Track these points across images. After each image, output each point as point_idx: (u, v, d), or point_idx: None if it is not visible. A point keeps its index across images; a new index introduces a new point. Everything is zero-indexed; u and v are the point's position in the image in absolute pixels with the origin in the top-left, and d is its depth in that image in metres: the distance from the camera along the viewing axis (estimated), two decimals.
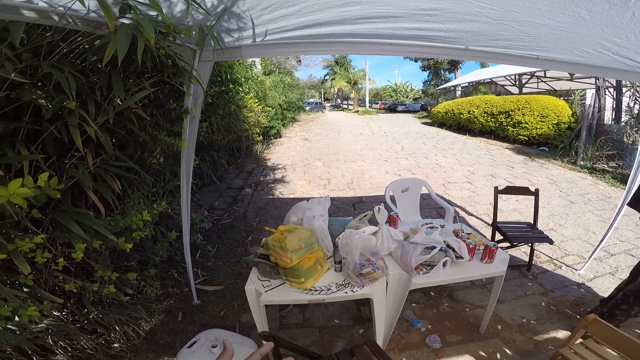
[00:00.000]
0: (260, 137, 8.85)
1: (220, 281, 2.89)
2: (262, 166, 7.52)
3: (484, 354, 2.12)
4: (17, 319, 1.16)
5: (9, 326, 1.18)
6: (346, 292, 1.68)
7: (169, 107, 1.73)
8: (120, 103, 1.29)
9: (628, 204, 2.22)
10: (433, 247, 1.82)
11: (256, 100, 7.79)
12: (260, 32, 1.76)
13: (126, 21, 1.09)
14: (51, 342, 1.54)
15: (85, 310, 1.73)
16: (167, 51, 1.28)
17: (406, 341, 2.24)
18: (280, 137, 12.06)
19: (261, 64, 12.40)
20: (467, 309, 2.56)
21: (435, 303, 2.63)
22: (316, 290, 1.68)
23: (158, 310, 2.37)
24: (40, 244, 1.10)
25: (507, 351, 2.15)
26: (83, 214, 1.37)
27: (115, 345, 1.95)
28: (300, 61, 22.29)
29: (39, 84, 1.15)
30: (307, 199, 2.18)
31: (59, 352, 1.56)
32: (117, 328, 1.93)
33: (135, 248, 2.14)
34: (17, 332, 1.21)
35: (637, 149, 2.63)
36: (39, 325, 1.41)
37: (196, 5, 1.27)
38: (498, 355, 2.12)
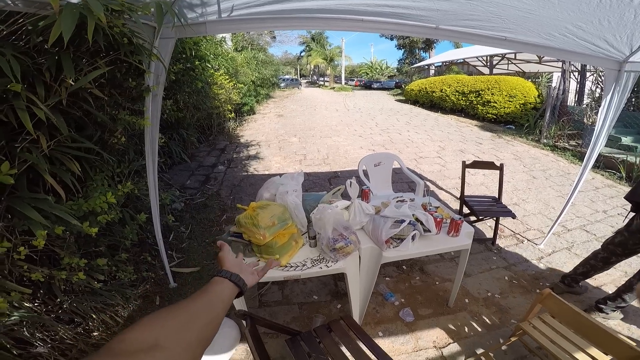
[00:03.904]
0: (233, 114, 8.60)
1: (196, 262, 2.87)
2: (235, 143, 7.35)
3: (453, 327, 2.22)
4: None
5: None
6: (321, 268, 1.69)
7: (129, 86, 1.63)
8: (73, 83, 1.20)
9: (625, 198, 2.18)
10: (402, 221, 1.85)
11: (227, 77, 7.50)
12: (226, 7, 1.67)
13: (74, 0, 1.00)
14: (28, 334, 1.49)
15: (58, 299, 1.68)
16: (122, 29, 1.19)
17: (381, 315, 2.32)
18: (254, 113, 11.78)
19: (232, 40, 11.82)
20: (437, 282, 2.67)
21: (407, 277, 2.73)
22: (291, 267, 1.68)
23: (134, 295, 2.33)
24: None
25: (474, 325, 2.25)
26: (41, 199, 1.31)
27: (95, 333, 1.92)
28: (274, 37, 21.34)
29: None
30: (282, 175, 2.14)
31: (38, 344, 1.52)
32: (94, 316, 1.89)
33: (103, 232, 2.07)
34: None
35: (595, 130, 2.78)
36: (12, 318, 1.36)
37: None
38: (466, 329, 2.21)
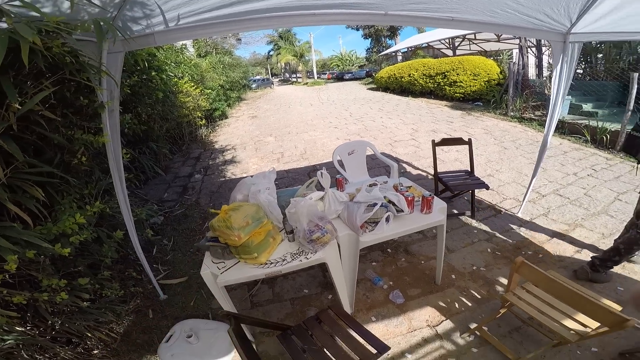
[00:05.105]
0: (204, 121, 8.48)
1: (183, 272, 2.87)
2: (209, 150, 7.26)
3: (444, 305, 2.24)
4: None
5: None
6: (301, 260, 1.71)
7: (81, 104, 1.61)
8: (20, 107, 1.19)
9: (620, 149, 2.27)
10: (375, 204, 1.89)
11: (192, 84, 7.39)
12: (172, 17, 1.67)
13: (4, 25, 0.98)
14: (26, 357, 1.49)
15: (49, 322, 1.67)
16: (61, 49, 1.18)
17: (372, 300, 2.33)
18: (227, 117, 11.64)
19: (194, 47, 11.58)
20: (422, 262, 2.70)
21: (393, 259, 2.76)
22: (271, 263, 1.71)
23: (126, 311, 2.33)
24: None
25: (464, 300, 2.27)
26: (8, 227, 1.30)
27: (95, 352, 1.92)
28: (239, 40, 20.96)
29: None
30: (254, 175, 2.15)
31: None
32: (89, 335, 1.89)
33: (80, 253, 2.05)
34: None
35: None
36: (7, 342, 1.35)
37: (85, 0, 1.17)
38: (456, 305, 2.23)
